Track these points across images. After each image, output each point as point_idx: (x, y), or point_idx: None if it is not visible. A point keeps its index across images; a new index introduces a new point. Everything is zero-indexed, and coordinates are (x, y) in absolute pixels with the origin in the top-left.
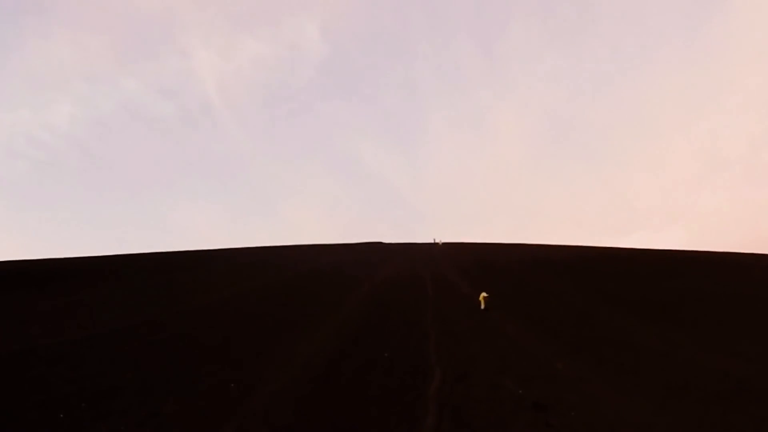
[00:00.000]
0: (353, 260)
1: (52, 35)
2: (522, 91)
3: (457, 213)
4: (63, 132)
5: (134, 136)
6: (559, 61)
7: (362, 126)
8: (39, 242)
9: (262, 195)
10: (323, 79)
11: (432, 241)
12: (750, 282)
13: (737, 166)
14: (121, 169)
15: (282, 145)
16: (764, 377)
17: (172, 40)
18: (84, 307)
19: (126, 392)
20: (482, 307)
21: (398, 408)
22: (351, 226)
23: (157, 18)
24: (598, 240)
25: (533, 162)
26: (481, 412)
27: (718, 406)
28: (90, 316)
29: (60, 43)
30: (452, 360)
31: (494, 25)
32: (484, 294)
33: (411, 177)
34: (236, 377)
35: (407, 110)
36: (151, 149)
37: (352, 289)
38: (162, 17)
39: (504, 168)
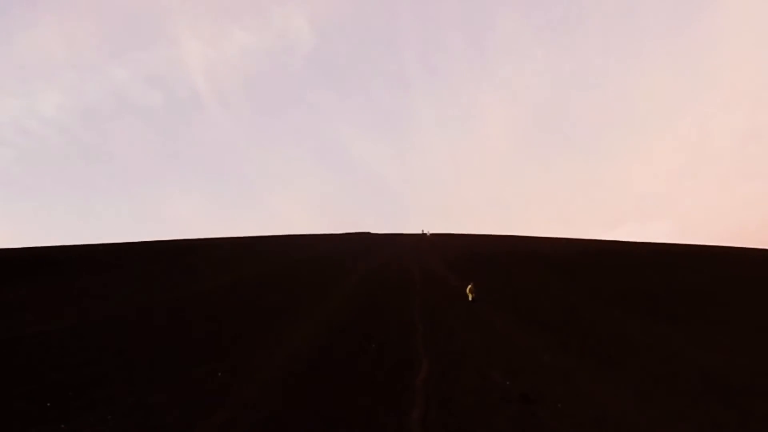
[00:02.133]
0: (342, 250)
1: (40, 24)
2: (511, 84)
3: (445, 204)
4: (51, 120)
5: (122, 125)
6: (548, 55)
7: (350, 117)
8: (26, 230)
9: (250, 185)
10: (311, 70)
11: (420, 232)
12: (736, 276)
13: (724, 160)
14: (109, 157)
15: (270, 135)
16: (748, 372)
17: (161, 29)
18: (72, 295)
19: (114, 381)
20: (470, 299)
21: (386, 398)
22: (339, 217)
23: (145, 8)
24: (586, 232)
25: (521, 154)
26: (468, 403)
27: (703, 399)
28: (78, 304)
29: (48, 32)
30: (440, 351)
31: (483, 19)
32: (470, 286)
33: (399, 168)
34: (225, 366)
35: (396, 101)
36: (139, 138)
37: (341, 279)
38: (150, 7)
39: (492, 160)
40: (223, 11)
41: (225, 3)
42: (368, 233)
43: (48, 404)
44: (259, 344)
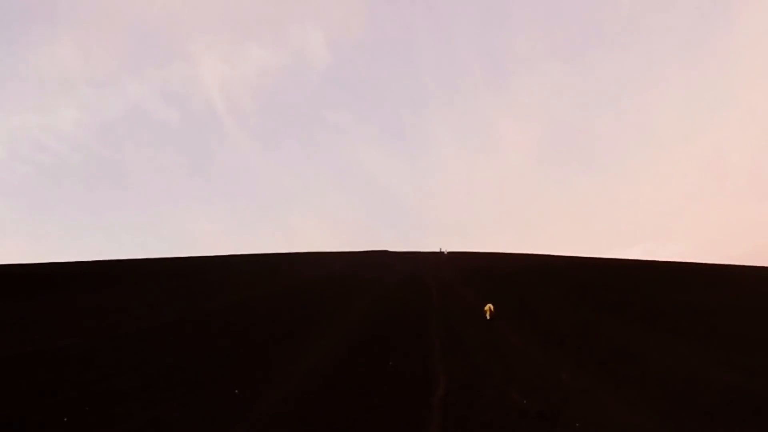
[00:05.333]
0: (359, 268)
1: (58, 41)
2: (526, 102)
3: (462, 222)
4: (68, 136)
5: (139, 142)
6: (564, 73)
7: (367, 135)
8: (42, 246)
9: (267, 202)
10: (327, 87)
11: (438, 250)
12: (753, 294)
13: (740, 179)
14: (125, 174)
15: (286, 153)
16: (766, 390)
17: (178, 46)
18: (90, 311)
19: (130, 396)
20: (488, 317)
21: (403, 416)
22: (356, 235)
23: (162, 25)
24: (602, 251)
25: (537, 172)
26: (485, 421)
27: (721, 419)
28: (95, 320)
29: (66, 48)
30: (457, 369)
31: (499, 36)
32: (490, 306)
33: (417, 186)
34: (241, 383)
35: (412, 119)
36: (156, 155)
37: (358, 297)
38: (168, 24)
39: (509, 179)
40: (239, 29)
41: (241, 21)
42: (386, 251)
43: (65, 419)
44: (277, 360)
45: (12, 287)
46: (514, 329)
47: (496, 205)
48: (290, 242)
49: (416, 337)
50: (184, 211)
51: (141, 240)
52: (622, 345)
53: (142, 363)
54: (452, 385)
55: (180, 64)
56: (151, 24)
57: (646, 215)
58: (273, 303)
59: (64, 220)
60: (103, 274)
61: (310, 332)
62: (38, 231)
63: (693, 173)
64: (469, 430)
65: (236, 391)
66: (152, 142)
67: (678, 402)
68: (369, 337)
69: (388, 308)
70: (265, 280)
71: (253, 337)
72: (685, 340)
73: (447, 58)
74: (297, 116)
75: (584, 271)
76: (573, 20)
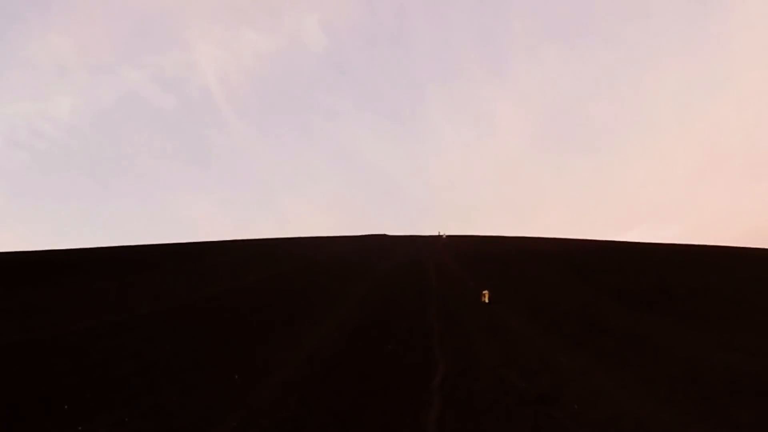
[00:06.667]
0: (358, 252)
1: (54, 26)
2: (523, 85)
3: (460, 206)
4: (65, 123)
5: (136, 128)
6: (560, 56)
7: (364, 118)
8: (42, 233)
9: (265, 187)
10: (323, 72)
11: (437, 234)
12: (750, 276)
13: (736, 161)
14: (122, 160)
15: (284, 137)
16: (766, 371)
17: (174, 32)
18: (89, 298)
19: (130, 383)
20: (486, 301)
21: (403, 399)
22: (355, 219)
23: (158, 10)
24: (599, 233)
25: (534, 155)
26: (484, 404)
27: (720, 400)
28: (95, 307)
29: (62, 34)
30: (456, 353)
31: (495, 19)
32: (487, 292)
33: (414, 170)
34: (241, 368)
35: (409, 103)
36: (152, 141)
37: (358, 279)
38: (164, 9)
39: (506, 162)
40: (235, 14)
41: (237, 6)
42: (384, 235)
43: (65, 406)
44: (278, 345)
45: (7, 275)
46: (512, 313)
47: (494, 189)
48: (289, 227)
49: (415, 321)
50: (182, 196)
51: (138, 226)
52: (621, 328)
53: (143, 349)
54: (451, 369)
55: (176, 49)
56: (146, 10)
57: (643, 198)
58: (272, 288)
59: (62, 207)
60: (100, 262)
61: (310, 317)
62: (36, 218)
63: (689, 156)
64: (468, 414)
65: (236, 377)
66: (149, 128)
67: (677, 383)
68: (368, 321)
69: (386, 292)
70: (264, 265)
71: (252, 322)
72: (684, 323)
73: (444, 43)
74: (294, 101)
75: (582, 254)
76: (569, 4)
